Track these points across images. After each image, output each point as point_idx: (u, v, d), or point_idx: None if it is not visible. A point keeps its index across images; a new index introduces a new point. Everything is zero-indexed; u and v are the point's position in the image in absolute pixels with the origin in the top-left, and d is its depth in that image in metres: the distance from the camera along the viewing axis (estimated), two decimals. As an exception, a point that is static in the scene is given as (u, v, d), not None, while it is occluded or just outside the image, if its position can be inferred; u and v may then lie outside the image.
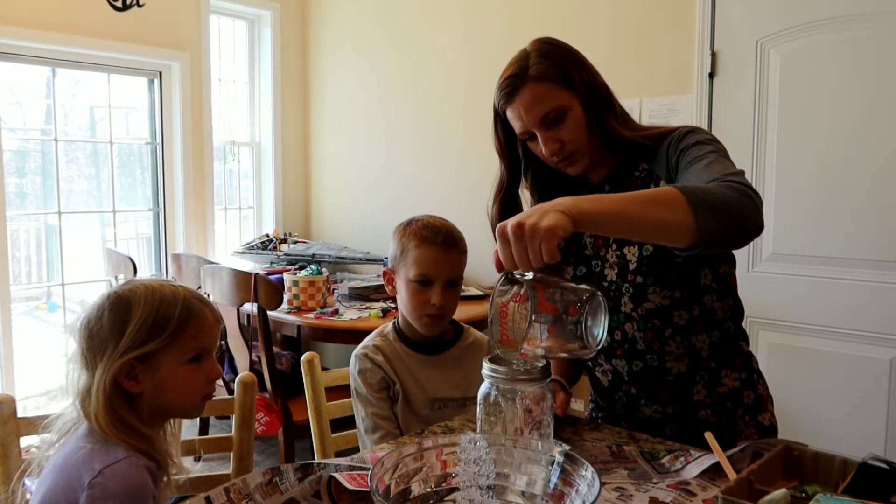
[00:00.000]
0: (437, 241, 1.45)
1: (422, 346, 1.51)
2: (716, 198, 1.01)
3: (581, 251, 1.39)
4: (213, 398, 1.44)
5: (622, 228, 1.02)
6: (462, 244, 1.50)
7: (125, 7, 3.47)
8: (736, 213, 1.01)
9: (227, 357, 2.93)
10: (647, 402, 1.33)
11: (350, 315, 2.90)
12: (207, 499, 0.93)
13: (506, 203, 1.39)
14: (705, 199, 0.99)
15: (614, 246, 1.33)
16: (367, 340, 1.53)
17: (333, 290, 3.27)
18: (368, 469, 1.05)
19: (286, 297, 2.94)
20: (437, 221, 1.50)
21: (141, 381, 1.02)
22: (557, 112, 1.26)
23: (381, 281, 3.25)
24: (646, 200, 1.00)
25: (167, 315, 1.03)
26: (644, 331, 1.29)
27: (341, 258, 3.67)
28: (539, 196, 1.41)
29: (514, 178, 1.39)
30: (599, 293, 0.98)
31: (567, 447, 0.90)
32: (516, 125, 1.30)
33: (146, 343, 1.01)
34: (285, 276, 3.06)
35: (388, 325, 1.56)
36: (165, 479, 1.06)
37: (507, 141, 1.36)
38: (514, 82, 1.27)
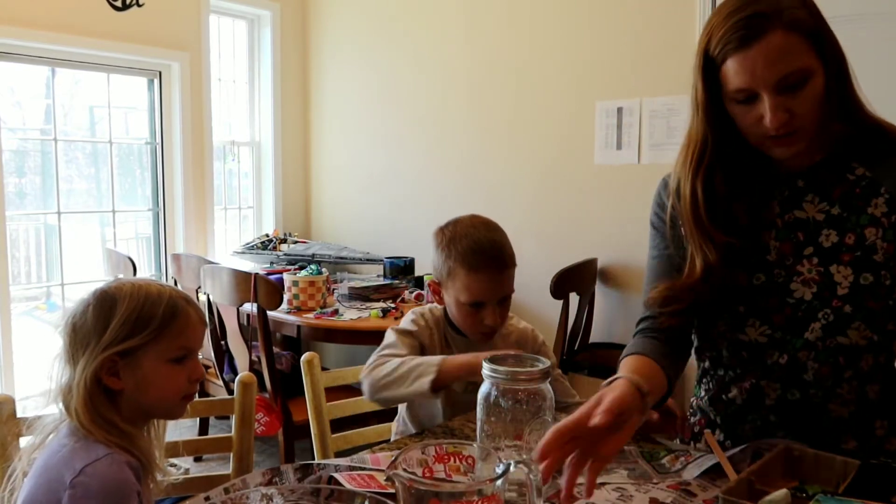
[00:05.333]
0: (488, 266, 1.37)
1: None
2: None
3: (762, 255, 1.13)
4: (213, 398, 1.44)
5: None
6: (512, 258, 1.41)
7: (125, 7, 3.47)
8: None
9: (227, 357, 2.93)
10: (785, 436, 1.12)
11: (350, 315, 2.90)
12: (207, 499, 0.93)
13: (708, 174, 1.11)
14: None
15: (815, 260, 1.09)
16: (421, 308, 1.51)
17: (333, 290, 3.27)
18: (368, 469, 1.05)
19: (286, 297, 2.94)
20: (484, 239, 1.39)
21: (122, 377, 1.02)
22: (801, 75, 0.99)
23: (381, 281, 3.30)
24: None
25: (151, 312, 1.03)
26: (822, 364, 1.09)
27: (341, 258, 3.67)
28: (726, 177, 1.12)
29: (721, 143, 1.09)
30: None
31: None
32: (739, 79, 1.00)
33: (129, 339, 1.01)
34: (285, 276, 3.06)
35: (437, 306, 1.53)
36: (150, 480, 1.05)
37: (714, 96, 1.06)
38: (759, 24, 0.97)
